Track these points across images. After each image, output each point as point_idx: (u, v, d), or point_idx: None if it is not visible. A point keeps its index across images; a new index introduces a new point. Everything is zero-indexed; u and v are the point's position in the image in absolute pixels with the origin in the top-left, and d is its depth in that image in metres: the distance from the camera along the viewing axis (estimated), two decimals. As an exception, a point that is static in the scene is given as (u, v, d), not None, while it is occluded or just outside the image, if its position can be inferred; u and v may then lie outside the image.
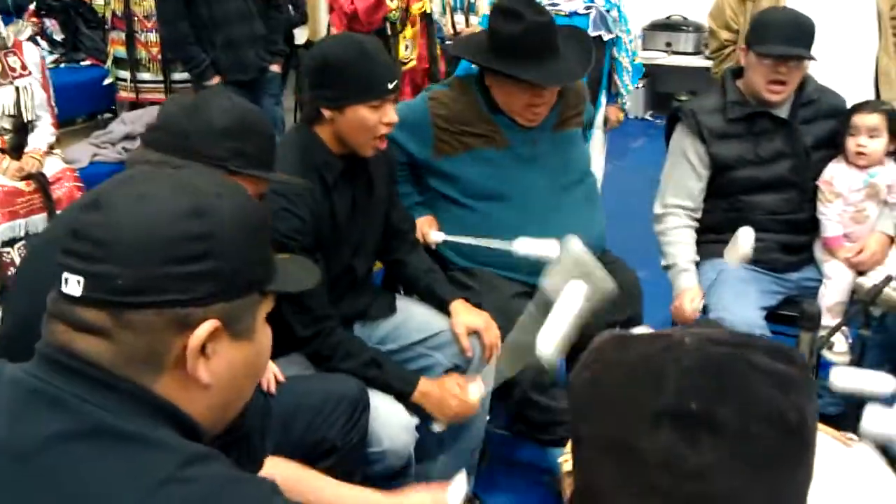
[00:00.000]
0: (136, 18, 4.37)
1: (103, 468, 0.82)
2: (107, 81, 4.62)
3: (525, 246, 2.15)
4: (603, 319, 2.38)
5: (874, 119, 2.57)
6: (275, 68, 4.20)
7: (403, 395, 2.04)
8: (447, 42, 4.18)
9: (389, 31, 3.46)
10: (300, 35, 5.66)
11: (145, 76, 4.46)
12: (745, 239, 2.26)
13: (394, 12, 3.39)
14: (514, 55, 2.27)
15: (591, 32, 3.37)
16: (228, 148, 1.52)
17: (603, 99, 3.65)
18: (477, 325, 2.20)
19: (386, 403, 1.97)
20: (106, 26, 4.65)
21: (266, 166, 1.60)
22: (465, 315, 2.22)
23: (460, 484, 1.49)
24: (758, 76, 2.55)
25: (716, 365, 0.74)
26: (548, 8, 3.30)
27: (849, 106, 2.68)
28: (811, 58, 2.52)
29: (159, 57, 4.43)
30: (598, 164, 3.64)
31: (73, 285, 0.87)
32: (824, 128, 2.66)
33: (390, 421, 1.95)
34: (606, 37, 3.45)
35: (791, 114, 2.63)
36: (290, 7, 4.89)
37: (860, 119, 2.57)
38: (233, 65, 3.95)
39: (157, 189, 0.91)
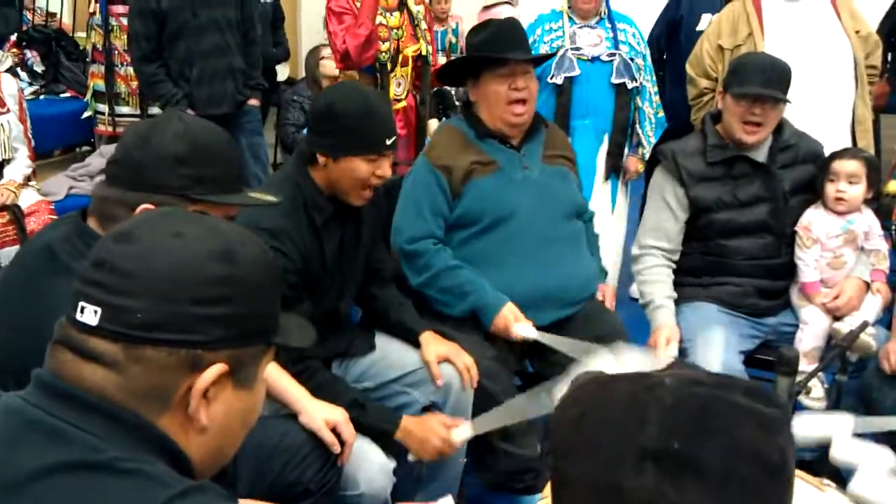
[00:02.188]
0: (116, 52, 4.38)
1: (98, 500, 0.81)
2: (86, 114, 4.61)
3: None
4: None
5: (853, 165, 2.60)
6: (253, 102, 4.22)
7: (386, 434, 2.02)
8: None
9: (379, 71, 3.50)
10: (282, 72, 5.70)
11: (124, 109, 4.46)
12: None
13: (384, 53, 3.44)
14: (487, 49, 2.46)
15: (615, 80, 3.38)
16: (186, 175, 1.45)
17: (626, 150, 3.62)
18: (447, 354, 2.20)
19: (363, 447, 1.94)
20: (87, 59, 4.66)
21: (230, 187, 1.53)
22: (435, 345, 2.23)
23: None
24: (734, 118, 2.58)
25: (697, 405, 0.74)
26: (570, 53, 3.36)
27: (826, 154, 2.72)
28: (786, 100, 2.55)
29: (138, 91, 4.43)
30: (621, 213, 3.65)
31: (89, 314, 0.87)
32: (802, 172, 2.69)
33: (367, 464, 1.93)
34: (630, 84, 3.45)
35: (769, 158, 2.66)
36: (273, 44, 4.91)
37: (840, 165, 2.60)
38: (207, 99, 3.96)
39: (191, 229, 0.92)
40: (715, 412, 0.73)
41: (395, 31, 3.48)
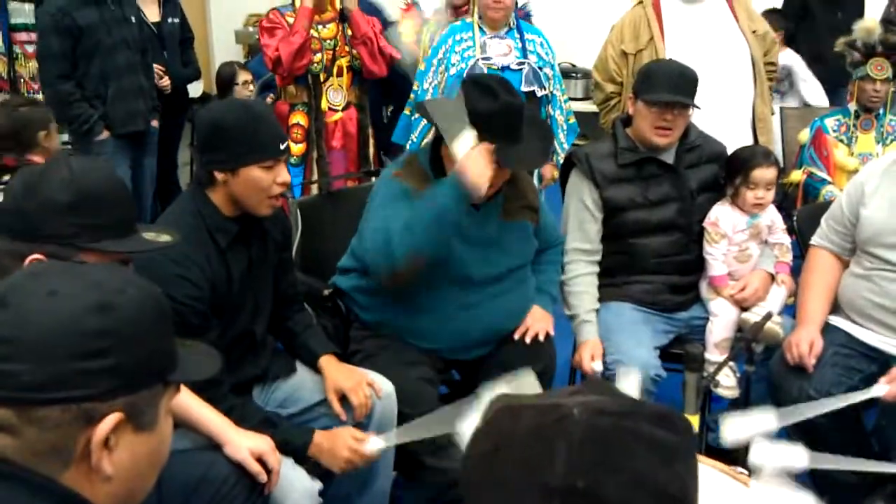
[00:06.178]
0: (22, 80, 4.29)
1: None
2: (-6, 143, 4.49)
3: None
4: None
5: (772, 173, 2.72)
6: (154, 123, 4.25)
7: (301, 450, 2.03)
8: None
9: (311, 82, 3.55)
10: (195, 88, 5.62)
11: (32, 138, 4.35)
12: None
13: (316, 65, 3.48)
14: (483, 131, 2.26)
15: (524, 88, 3.43)
16: (73, 224, 1.46)
17: None
18: (344, 387, 2.19)
19: (287, 471, 1.94)
20: (-8, 88, 4.54)
21: (122, 232, 1.53)
22: (334, 375, 2.22)
23: None
24: (645, 123, 2.67)
25: (602, 439, 0.76)
26: (480, 62, 3.41)
27: (729, 151, 2.83)
28: (695, 105, 2.65)
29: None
30: None
31: None
32: (707, 172, 2.80)
33: (292, 488, 1.93)
34: (539, 93, 3.52)
35: (676, 159, 2.75)
36: (183, 63, 4.86)
37: (761, 174, 2.69)
38: (124, 117, 3.96)
39: (65, 285, 0.93)
40: (618, 446, 0.76)
41: (328, 41, 3.54)
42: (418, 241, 2.23)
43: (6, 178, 3.05)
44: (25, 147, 3.07)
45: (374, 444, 2.05)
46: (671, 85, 2.63)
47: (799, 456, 1.74)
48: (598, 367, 2.56)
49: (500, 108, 2.27)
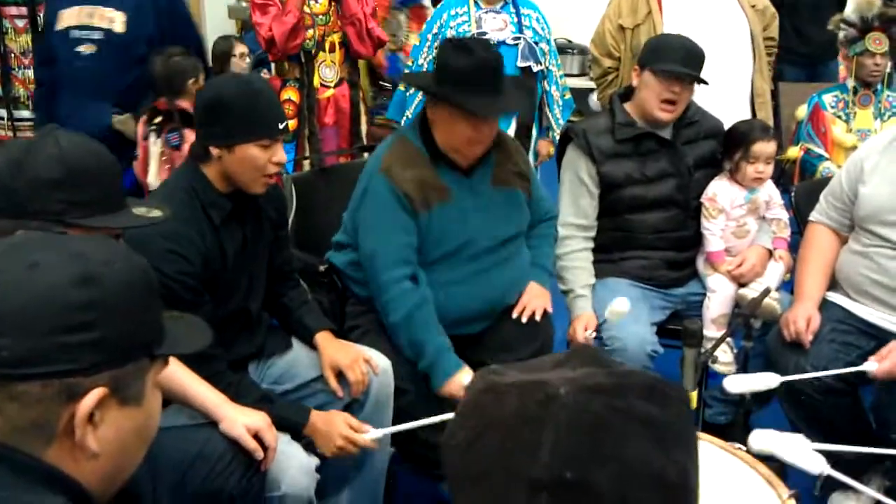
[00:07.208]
0: (12, 55, 4.23)
1: None
2: (-17, 121, 4.45)
3: None
4: (512, 354, 2.44)
5: (772, 147, 2.71)
6: None
7: (297, 428, 2.02)
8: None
9: (304, 59, 3.53)
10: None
11: (24, 114, 4.30)
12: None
13: (308, 41, 3.46)
14: (461, 87, 2.29)
15: (520, 63, 3.41)
16: (61, 200, 1.44)
17: (534, 132, 3.65)
18: (340, 363, 2.18)
19: (284, 447, 1.94)
20: (-20, 63, 4.48)
21: (111, 207, 1.52)
22: (331, 351, 2.21)
23: None
24: (651, 95, 2.64)
25: (591, 423, 0.70)
26: (475, 37, 3.38)
27: (726, 127, 2.81)
28: (703, 81, 2.63)
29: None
30: None
31: None
32: (704, 148, 2.78)
33: (288, 464, 1.92)
34: (535, 68, 3.49)
35: (674, 135, 2.74)
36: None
37: (761, 148, 2.69)
38: None
39: (48, 257, 0.90)
40: (608, 430, 0.70)
41: (320, 17, 3.50)
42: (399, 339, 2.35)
43: (158, 119, 3.34)
44: (176, 93, 3.33)
45: (371, 433, 2.04)
46: (681, 58, 2.62)
47: (799, 443, 1.75)
48: (590, 335, 2.56)
49: (475, 62, 2.29)
